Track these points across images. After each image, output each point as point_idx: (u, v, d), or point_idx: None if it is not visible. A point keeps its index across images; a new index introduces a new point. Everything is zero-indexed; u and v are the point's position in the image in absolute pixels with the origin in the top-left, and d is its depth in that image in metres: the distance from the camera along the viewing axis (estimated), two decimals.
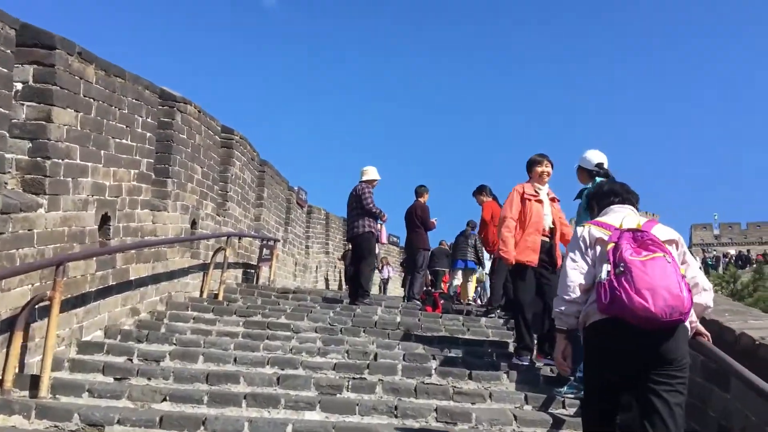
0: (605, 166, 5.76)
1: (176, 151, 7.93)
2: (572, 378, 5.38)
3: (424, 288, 10.86)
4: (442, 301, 9.28)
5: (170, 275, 7.92)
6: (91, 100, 5.88)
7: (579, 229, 3.63)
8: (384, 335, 7.22)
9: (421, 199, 10.86)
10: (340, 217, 22.30)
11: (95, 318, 6.08)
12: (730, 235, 75.72)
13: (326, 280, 19.44)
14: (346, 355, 6.20)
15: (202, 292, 8.92)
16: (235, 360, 5.67)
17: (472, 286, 15.97)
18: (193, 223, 8.65)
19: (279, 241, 13.38)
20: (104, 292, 6.22)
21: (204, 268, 9.05)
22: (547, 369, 6.11)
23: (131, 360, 5.68)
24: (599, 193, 3.86)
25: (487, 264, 14.01)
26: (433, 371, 5.60)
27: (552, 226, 6.26)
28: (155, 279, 7.47)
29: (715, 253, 53.89)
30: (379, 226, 9.56)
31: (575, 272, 3.37)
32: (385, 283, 22.69)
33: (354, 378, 5.52)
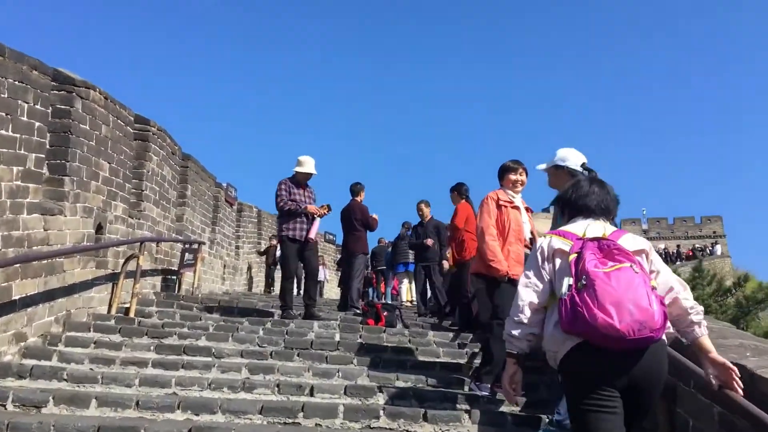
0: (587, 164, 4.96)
1: (76, 144, 6.74)
2: (547, 419, 4.56)
3: (367, 299, 9.94)
4: (385, 313, 8.38)
5: (69, 290, 6.74)
6: None
7: (539, 240, 3.11)
8: (321, 359, 6.28)
9: (358, 198, 9.98)
10: (273, 214, 21.15)
11: None
12: (658, 230, 77.63)
13: (250, 281, 18.05)
14: (276, 389, 5.22)
15: (110, 306, 7.73)
16: (137, 404, 4.58)
17: (413, 287, 15.29)
18: (99, 228, 7.46)
19: (204, 243, 12.19)
20: None
21: (113, 278, 7.87)
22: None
23: (4, 406, 4.53)
24: (572, 203, 3.26)
25: None
26: (381, 411, 4.66)
27: (531, 235, 5.57)
28: (48, 296, 6.28)
29: None
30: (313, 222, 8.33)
31: (528, 291, 2.99)
32: (321, 286, 21.61)
33: (286, 423, 4.55)
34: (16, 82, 5.53)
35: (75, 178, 6.72)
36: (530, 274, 3.03)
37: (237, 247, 16.69)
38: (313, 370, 5.83)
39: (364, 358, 6.35)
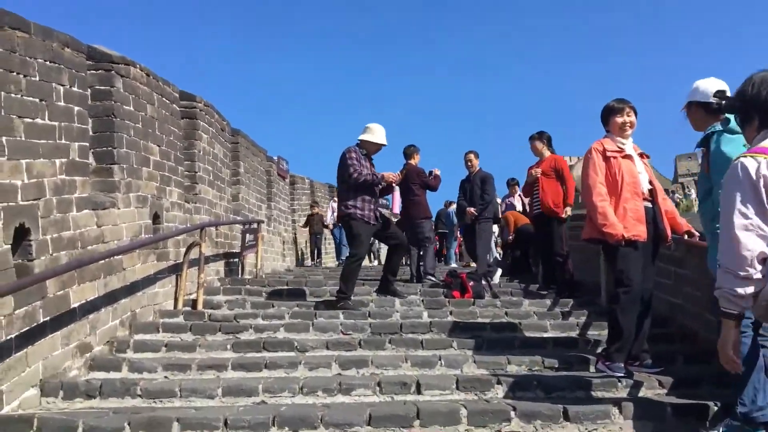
0: (728, 95, 4.03)
1: (121, 128, 6.06)
2: (715, 406, 3.75)
3: (450, 269, 9.16)
4: (471, 283, 7.61)
5: (131, 288, 6.14)
6: None
7: (745, 164, 2.45)
8: (416, 345, 5.58)
9: (413, 161, 9.14)
10: (325, 183, 20.50)
11: (21, 374, 4.29)
12: None
13: (301, 253, 17.11)
14: (378, 389, 4.52)
15: (176, 300, 7.13)
16: (226, 424, 3.88)
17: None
18: (156, 217, 6.82)
19: (263, 222, 11.57)
20: (32, 335, 4.42)
21: (176, 269, 7.25)
22: (654, 382, 4.50)
23: None
24: None
25: None
26: (512, 412, 3.91)
27: (651, 186, 4.72)
28: (110, 298, 5.69)
29: None
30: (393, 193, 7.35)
31: (750, 236, 2.40)
32: (377, 250, 20.98)
33: None
34: (48, 62, 4.84)
35: (125, 166, 6.07)
36: (749, 212, 2.43)
37: (293, 221, 16.09)
38: (410, 360, 5.12)
39: (464, 339, 5.63)
